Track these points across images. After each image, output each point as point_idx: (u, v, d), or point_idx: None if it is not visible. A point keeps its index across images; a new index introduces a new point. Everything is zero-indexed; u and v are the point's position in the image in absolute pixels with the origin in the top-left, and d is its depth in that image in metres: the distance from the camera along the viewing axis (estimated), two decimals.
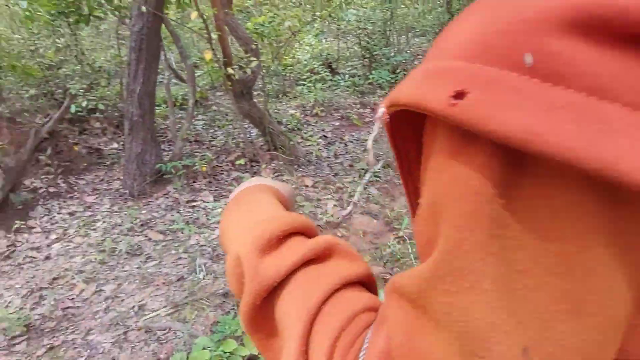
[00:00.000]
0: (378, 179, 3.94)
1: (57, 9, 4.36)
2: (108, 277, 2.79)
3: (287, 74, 7.53)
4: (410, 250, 2.86)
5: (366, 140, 5.02)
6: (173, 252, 3.03)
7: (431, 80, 0.27)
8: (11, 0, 3.92)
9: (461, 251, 0.25)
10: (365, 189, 3.79)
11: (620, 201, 0.23)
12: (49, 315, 2.48)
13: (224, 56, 3.77)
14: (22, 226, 3.40)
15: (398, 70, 7.23)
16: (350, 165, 4.30)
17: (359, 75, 7.56)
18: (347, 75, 7.46)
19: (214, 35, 3.63)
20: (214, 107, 6.29)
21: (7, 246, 3.27)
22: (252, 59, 3.74)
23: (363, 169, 4.09)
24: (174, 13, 5.59)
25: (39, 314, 2.50)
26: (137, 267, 2.87)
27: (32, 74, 4.31)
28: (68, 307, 2.54)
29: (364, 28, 7.81)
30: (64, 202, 3.77)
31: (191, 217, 3.47)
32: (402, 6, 8.24)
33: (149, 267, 2.86)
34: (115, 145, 4.70)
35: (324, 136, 5.16)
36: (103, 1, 4.72)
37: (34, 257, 3.12)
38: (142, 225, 3.40)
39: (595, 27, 0.22)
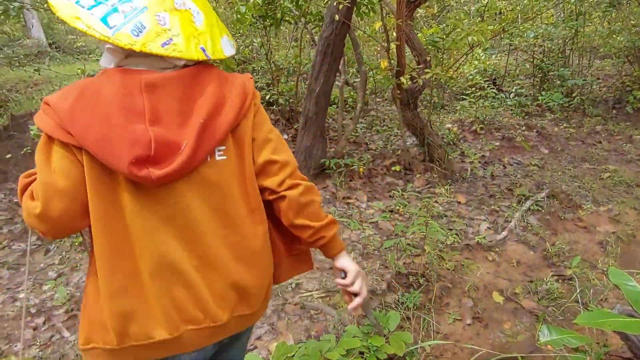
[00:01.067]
0: (540, 208, 3.69)
1: (259, 13, 5.03)
2: None
3: (449, 87, 7.43)
4: (574, 293, 2.65)
5: (529, 164, 4.73)
6: None
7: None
8: (235, 7, 4.66)
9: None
10: (523, 216, 3.59)
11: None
12: None
13: (398, 65, 3.93)
14: None
15: (574, 94, 6.58)
16: (509, 189, 4.10)
17: (526, 95, 7.09)
18: (512, 94, 7.06)
19: (392, 45, 3.81)
20: (373, 112, 6.55)
21: None
22: (425, 70, 3.83)
23: (523, 195, 3.87)
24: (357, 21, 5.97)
25: None
26: None
27: (231, 66, 5.05)
28: None
29: (540, 45, 7.28)
30: None
31: (345, 213, 3.72)
32: (589, 24, 7.42)
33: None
34: (285, 136, 5.24)
35: (482, 155, 4.99)
36: (293, 8, 5.29)
37: None
38: None
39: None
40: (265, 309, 1.19)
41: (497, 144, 5.29)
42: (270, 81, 5.46)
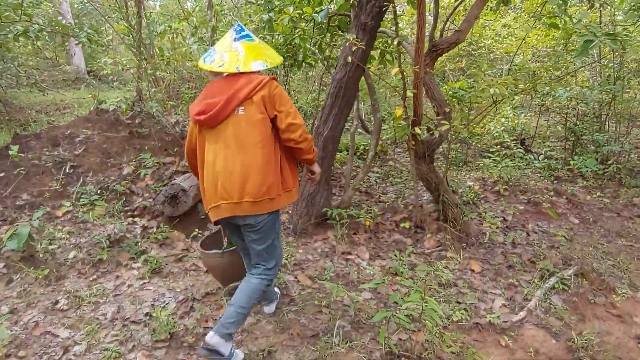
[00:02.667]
0: (566, 287, 3.21)
1: (279, 53, 4.92)
2: (254, 309, 2.80)
3: (473, 143, 7.09)
4: None
5: (556, 235, 4.25)
6: (316, 302, 2.90)
7: None
8: None
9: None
10: (546, 295, 3.12)
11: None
12: (191, 330, 2.57)
13: (414, 115, 3.64)
14: (199, 234, 3.75)
15: (609, 162, 6.11)
16: (531, 261, 3.63)
17: (556, 159, 6.65)
18: (542, 156, 6.64)
19: (409, 93, 3.54)
20: (391, 163, 6.24)
21: (182, 249, 3.62)
22: (443, 122, 3.52)
23: (547, 269, 3.40)
24: (374, 68, 5.79)
25: (183, 325, 2.61)
26: (278, 308, 2.81)
27: None
28: (208, 327, 2.60)
29: (574, 108, 6.90)
30: None
31: (342, 271, 3.33)
32: (628, 90, 7.04)
33: (289, 312, 2.77)
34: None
35: (504, 218, 4.55)
36: (316, 51, 5.17)
37: (199, 267, 3.36)
38: (295, 264, 3.39)
39: None
40: (269, 210, 2.10)
41: (522, 208, 4.84)
42: None
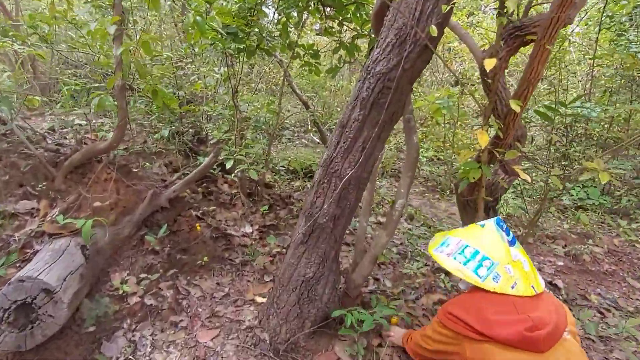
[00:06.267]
0: None
1: (232, 23, 3.10)
2: None
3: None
4: None
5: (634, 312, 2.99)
6: None
7: None
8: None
9: None
10: None
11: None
12: None
13: (498, 141, 2.10)
14: None
15: (618, 193, 5.18)
16: None
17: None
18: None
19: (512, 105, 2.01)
20: (431, 210, 4.67)
21: None
22: (512, 150, 2.02)
23: None
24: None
25: None
26: None
27: (173, 106, 2.97)
28: None
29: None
30: (162, 329, 2.16)
31: None
32: None
33: None
34: (249, 229, 3.15)
35: (550, 283, 3.22)
36: (276, 33, 3.43)
37: None
38: None
39: None
40: None
41: (561, 264, 3.55)
42: (228, 137, 3.43)
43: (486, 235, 1.67)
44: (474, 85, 5.30)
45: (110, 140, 2.40)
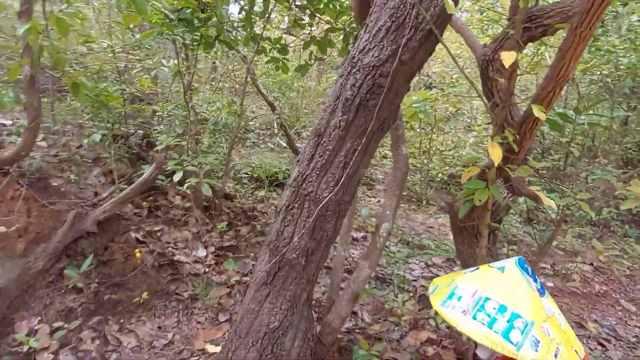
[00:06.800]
0: None
1: (186, 5, 2.60)
2: None
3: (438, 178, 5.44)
4: None
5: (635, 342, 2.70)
6: None
7: None
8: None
9: None
10: None
11: None
12: None
13: (511, 155, 1.72)
14: None
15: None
16: None
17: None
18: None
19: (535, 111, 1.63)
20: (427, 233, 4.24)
21: None
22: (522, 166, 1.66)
23: None
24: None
25: None
26: None
27: (114, 105, 2.44)
28: None
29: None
30: None
31: None
32: None
33: None
34: (201, 252, 2.65)
35: None
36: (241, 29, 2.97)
37: None
38: None
39: None
40: None
41: (551, 285, 3.26)
42: (178, 142, 2.91)
43: (510, 283, 1.26)
44: (454, 86, 4.98)
45: (18, 147, 1.86)
